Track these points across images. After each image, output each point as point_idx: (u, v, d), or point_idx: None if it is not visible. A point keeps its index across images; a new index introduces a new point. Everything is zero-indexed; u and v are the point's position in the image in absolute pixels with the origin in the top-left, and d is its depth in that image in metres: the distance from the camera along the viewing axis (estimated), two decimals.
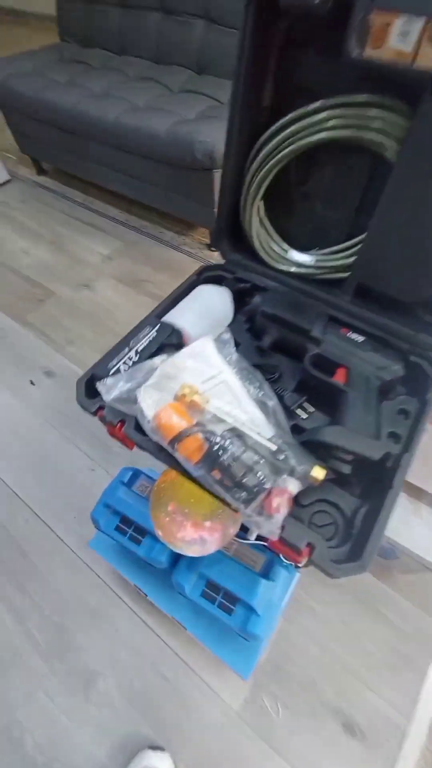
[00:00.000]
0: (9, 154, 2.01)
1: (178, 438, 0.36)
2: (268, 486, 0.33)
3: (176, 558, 0.58)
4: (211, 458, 0.34)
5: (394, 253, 0.45)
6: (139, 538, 0.58)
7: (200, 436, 0.36)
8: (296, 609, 0.82)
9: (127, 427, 0.41)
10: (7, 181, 1.86)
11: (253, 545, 0.57)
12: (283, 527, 0.34)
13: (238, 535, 0.57)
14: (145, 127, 1.21)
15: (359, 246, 0.48)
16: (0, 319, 1.35)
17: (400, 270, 0.45)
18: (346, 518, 0.40)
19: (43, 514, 0.96)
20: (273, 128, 0.46)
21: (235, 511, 0.36)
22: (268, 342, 0.49)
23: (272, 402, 0.41)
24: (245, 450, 0.34)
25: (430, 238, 0.42)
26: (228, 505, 0.36)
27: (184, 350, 0.42)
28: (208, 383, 0.42)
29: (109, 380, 0.40)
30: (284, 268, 0.54)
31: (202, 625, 0.65)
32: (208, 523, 0.46)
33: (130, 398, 0.40)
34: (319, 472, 0.38)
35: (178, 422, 0.37)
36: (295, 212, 0.53)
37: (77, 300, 1.39)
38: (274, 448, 0.37)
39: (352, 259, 0.49)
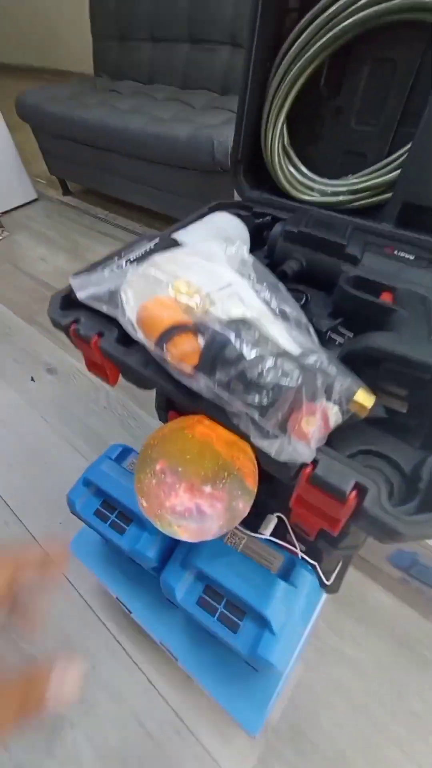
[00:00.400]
0: (39, 178, 2.11)
1: (167, 334, 0.26)
2: (293, 385, 0.22)
3: (168, 555, 0.44)
4: (212, 354, 0.23)
5: None
6: (123, 526, 0.46)
7: (197, 336, 0.25)
8: (320, 652, 0.65)
9: (106, 340, 0.31)
10: (34, 200, 1.93)
11: (268, 542, 0.44)
12: (314, 464, 0.23)
13: (249, 529, 0.44)
14: (167, 134, 1.23)
15: (403, 158, 0.40)
16: (8, 317, 1.31)
17: None
18: (404, 476, 0.28)
19: (25, 518, 0.84)
20: (303, 21, 0.39)
21: (249, 442, 0.24)
22: (292, 267, 0.39)
23: (299, 315, 0.30)
24: (259, 341, 0.23)
25: None
26: (237, 430, 0.24)
27: (185, 248, 0.33)
28: (215, 295, 0.32)
29: (86, 275, 0.31)
30: (312, 198, 0.46)
31: (199, 657, 0.50)
32: (208, 488, 0.33)
33: (113, 301, 0.30)
34: (365, 398, 0.26)
35: (169, 315, 0.27)
36: (323, 135, 0.46)
37: None
38: (299, 350, 0.26)
39: (394, 174, 0.41)
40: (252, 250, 0.46)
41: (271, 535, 0.45)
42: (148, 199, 1.52)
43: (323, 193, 0.45)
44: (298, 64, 0.41)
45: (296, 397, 0.21)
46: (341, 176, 0.45)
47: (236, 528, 0.44)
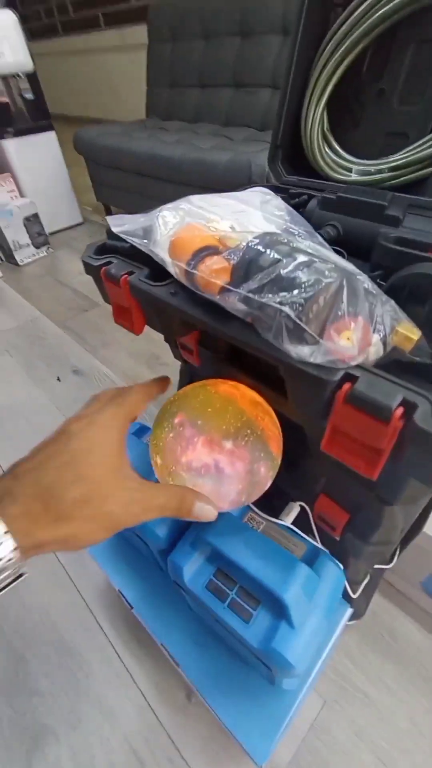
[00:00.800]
0: (87, 206, 2.27)
1: (199, 254, 0.24)
2: (332, 281, 0.19)
3: (178, 538, 0.41)
4: (246, 262, 0.22)
5: None
6: None
7: (229, 260, 0.24)
8: (342, 690, 0.57)
9: (135, 277, 0.30)
10: (80, 223, 2.07)
11: (289, 531, 0.39)
12: (354, 381, 0.20)
13: (269, 514, 0.40)
14: (207, 159, 1.30)
15: None
16: (43, 322, 1.37)
17: None
18: None
19: None
20: (346, 11, 0.41)
21: (282, 362, 0.22)
22: (329, 233, 0.38)
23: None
24: (294, 250, 0.21)
25: None
26: (269, 349, 0.22)
27: (227, 193, 0.32)
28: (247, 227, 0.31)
29: (123, 215, 0.31)
30: (352, 178, 0.45)
31: (203, 664, 0.44)
32: (228, 444, 0.31)
33: (147, 235, 0.29)
34: (410, 330, 0.24)
35: (201, 239, 0.26)
36: (364, 119, 0.46)
37: None
38: (353, 269, 0.23)
39: None
40: None
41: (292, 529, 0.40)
42: None
43: (364, 173, 0.45)
44: (339, 51, 0.42)
45: (336, 298, 0.19)
46: (382, 158, 0.45)
47: (255, 512, 0.40)
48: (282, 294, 0.19)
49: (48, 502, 0.22)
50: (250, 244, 0.22)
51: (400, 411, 0.19)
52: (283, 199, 0.46)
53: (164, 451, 0.32)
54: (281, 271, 0.20)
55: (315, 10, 0.43)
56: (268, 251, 0.21)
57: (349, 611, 0.46)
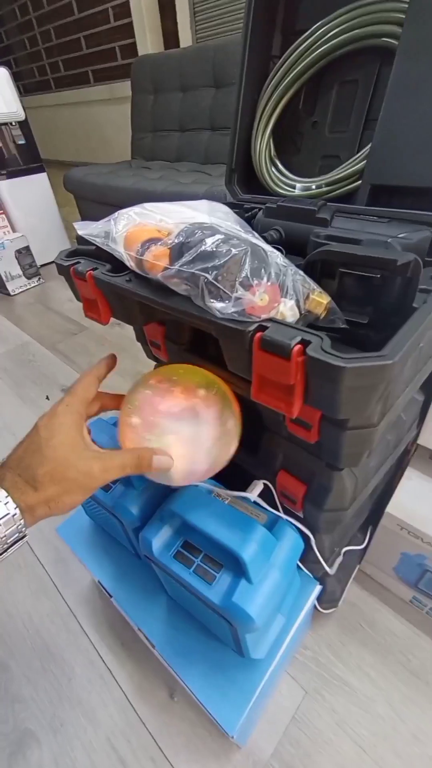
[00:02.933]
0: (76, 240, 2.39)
1: (146, 244, 0.30)
2: (240, 251, 0.24)
3: (151, 514, 0.44)
4: (180, 244, 0.27)
5: (408, 138, 0.42)
6: (110, 483, 0.46)
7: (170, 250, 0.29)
8: (322, 680, 0.58)
9: (98, 272, 0.35)
10: None
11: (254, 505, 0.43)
12: (264, 329, 0.25)
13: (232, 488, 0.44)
14: (186, 191, 1.41)
15: (369, 150, 0.46)
16: (33, 347, 1.42)
17: (415, 154, 0.42)
18: None
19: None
20: (281, 59, 0.49)
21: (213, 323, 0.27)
22: (272, 236, 0.44)
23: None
24: (215, 232, 0.27)
25: None
26: (201, 314, 0.27)
27: (179, 202, 0.38)
28: None
29: (88, 222, 0.37)
30: (295, 193, 0.52)
31: (177, 645, 0.46)
32: (202, 392, 0.35)
33: (107, 236, 0.35)
34: (321, 296, 0.29)
35: (148, 233, 0.31)
36: (303, 145, 0.54)
37: (107, 334, 1.45)
38: (277, 258, 0.29)
39: (361, 164, 0.47)
40: None
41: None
42: None
43: (305, 189, 0.52)
44: (277, 92, 0.50)
45: (243, 263, 0.24)
46: (320, 175, 0.52)
47: (221, 490, 0.43)
48: (203, 264, 0.24)
49: (26, 478, 0.29)
50: (182, 230, 0.28)
51: (298, 348, 0.23)
52: (238, 213, 0.53)
53: (142, 407, 0.37)
54: (203, 247, 0.25)
55: (255, 60, 0.52)
56: (195, 234, 0.26)
57: (318, 587, 0.48)
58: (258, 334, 0.24)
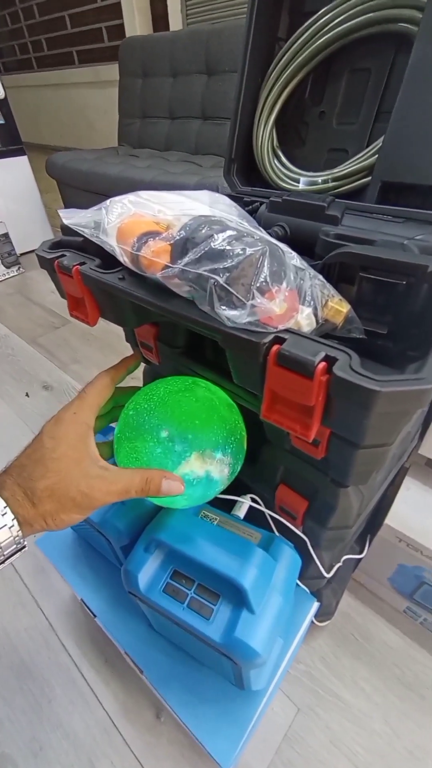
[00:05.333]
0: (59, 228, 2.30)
1: (142, 238, 0.26)
2: (256, 250, 0.21)
3: (139, 531, 0.40)
4: (183, 240, 0.23)
5: (425, 132, 0.39)
6: None
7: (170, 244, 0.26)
8: (315, 696, 0.56)
9: (86, 267, 0.31)
10: None
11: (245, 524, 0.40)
12: (281, 341, 0.21)
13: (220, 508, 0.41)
14: (177, 183, 1.36)
15: (380, 146, 0.43)
16: (13, 339, 1.35)
17: (427, 151, 0.39)
18: None
19: None
20: (287, 43, 0.45)
21: (220, 331, 0.23)
22: (277, 232, 0.41)
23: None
24: (224, 228, 0.23)
25: None
26: (206, 319, 0.23)
27: (177, 191, 0.34)
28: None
29: (75, 209, 0.32)
30: (300, 187, 0.49)
31: (167, 670, 0.43)
32: (218, 455, 0.33)
33: (96, 227, 0.31)
34: (341, 304, 0.26)
35: (144, 225, 0.27)
36: (308, 137, 0.50)
37: (92, 329, 1.39)
38: (295, 260, 0.25)
39: (372, 159, 0.44)
40: None
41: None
42: None
43: (310, 183, 0.49)
44: (282, 78, 0.47)
45: (260, 265, 0.21)
46: (326, 170, 0.49)
47: (208, 509, 0.40)
48: (213, 265, 0.21)
49: (26, 490, 0.28)
50: (186, 224, 0.24)
51: (322, 366, 0.20)
52: (239, 202, 0.49)
53: (149, 465, 0.33)
54: (212, 245, 0.21)
55: (260, 41, 0.48)
56: (202, 229, 0.23)
57: (316, 605, 0.46)
58: (275, 347, 0.21)
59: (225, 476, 0.34)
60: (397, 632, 0.61)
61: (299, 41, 0.44)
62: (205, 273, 0.21)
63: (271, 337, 0.21)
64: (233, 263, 0.20)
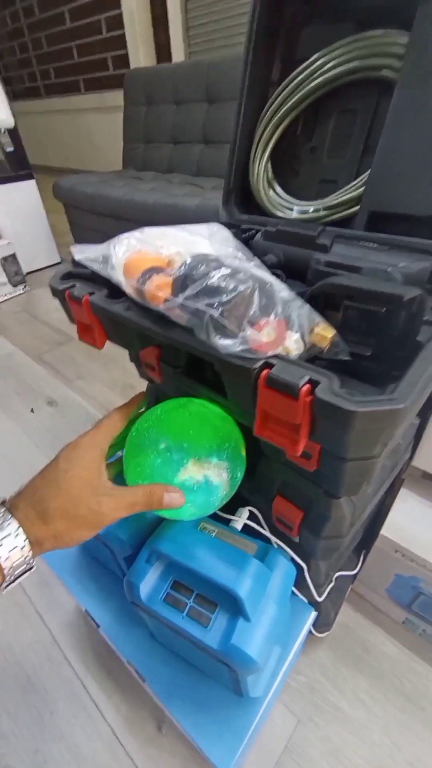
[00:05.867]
0: (66, 247, 2.37)
1: (147, 273, 0.29)
2: (246, 287, 0.24)
3: (141, 541, 0.42)
4: (183, 276, 0.26)
5: (406, 167, 0.42)
6: None
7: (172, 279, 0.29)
8: (316, 707, 0.56)
9: (95, 297, 0.34)
10: (58, 263, 2.14)
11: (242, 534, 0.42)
12: (271, 367, 0.24)
13: (219, 520, 0.43)
14: (179, 205, 1.41)
15: (367, 177, 0.47)
16: (18, 356, 1.38)
17: (413, 183, 0.42)
18: None
19: None
20: (281, 87, 0.49)
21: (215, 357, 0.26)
22: (271, 260, 0.44)
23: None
24: (220, 266, 0.26)
25: None
26: (203, 347, 0.26)
27: (179, 225, 0.38)
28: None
29: (85, 245, 0.36)
30: (294, 216, 0.52)
31: (169, 679, 0.44)
32: (214, 459, 0.35)
33: (105, 262, 0.34)
34: (325, 329, 0.28)
35: (149, 261, 0.30)
36: (301, 169, 0.54)
37: None
38: (283, 293, 0.28)
39: (360, 190, 0.47)
40: None
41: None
42: None
43: (303, 212, 0.52)
44: (275, 118, 0.51)
45: (251, 300, 0.24)
46: (318, 199, 0.52)
47: (206, 521, 0.42)
48: (209, 299, 0.24)
49: (38, 510, 0.30)
50: (186, 262, 0.27)
51: (306, 388, 0.22)
52: (235, 234, 0.53)
53: (153, 476, 0.36)
54: (208, 282, 0.24)
55: (255, 85, 0.52)
56: (200, 266, 0.26)
57: (313, 614, 0.47)
58: (264, 372, 0.24)
59: (225, 480, 0.37)
60: (396, 643, 0.62)
61: (291, 86, 0.49)
62: (202, 307, 0.24)
63: (261, 362, 0.24)
64: (227, 298, 0.23)
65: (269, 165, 0.55)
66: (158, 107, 1.94)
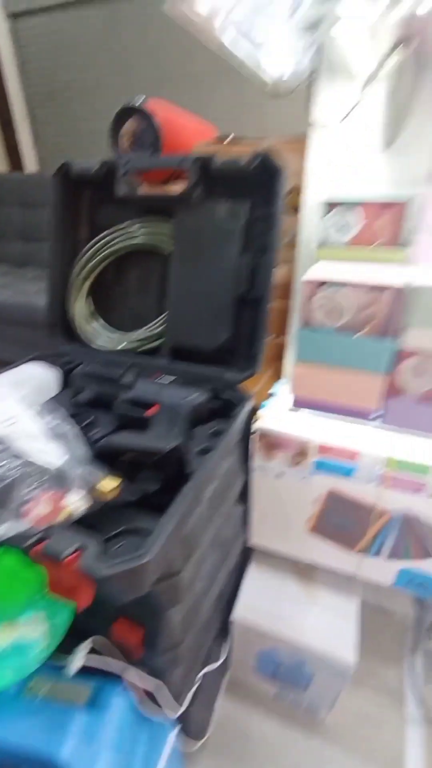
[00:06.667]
0: None
1: None
2: (11, 477, 0.28)
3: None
4: None
5: (190, 314, 0.55)
6: None
7: None
8: None
9: None
10: None
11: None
12: (46, 538, 0.28)
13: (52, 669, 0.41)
14: (33, 303, 1.43)
15: (166, 318, 0.58)
16: None
17: (197, 326, 0.55)
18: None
19: None
20: (86, 248, 0.60)
21: None
22: (87, 397, 0.50)
23: (69, 429, 0.39)
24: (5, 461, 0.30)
25: (208, 300, 0.53)
26: None
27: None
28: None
29: None
30: (111, 347, 0.60)
31: None
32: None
33: None
34: (106, 484, 0.34)
35: None
36: (117, 306, 0.63)
37: None
38: (55, 463, 0.33)
39: (163, 327, 0.58)
40: (65, 388, 0.56)
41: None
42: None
43: (119, 342, 0.60)
44: (86, 268, 0.60)
45: (20, 487, 0.28)
46: (131, 330, 0.62)
47: (38, 679, 0.40)
48: None
49: None
50: None
51: (74, 556, 0.27)
52: (59, 365, 0.58)
53: None
54: None
55: (64, 243, 0.61)
56: None
57: (173, 732, 0.48)
58: (38, 546, 0.27)
59: (44, 631, 0.35)
60: (273, 718, 0.65)
61: (93, 249, 0.59)
62: None
63: (35, 538, 0.28)
64: None
65: (91, 300, 0.64)
66: (6, 209, 2.00)
